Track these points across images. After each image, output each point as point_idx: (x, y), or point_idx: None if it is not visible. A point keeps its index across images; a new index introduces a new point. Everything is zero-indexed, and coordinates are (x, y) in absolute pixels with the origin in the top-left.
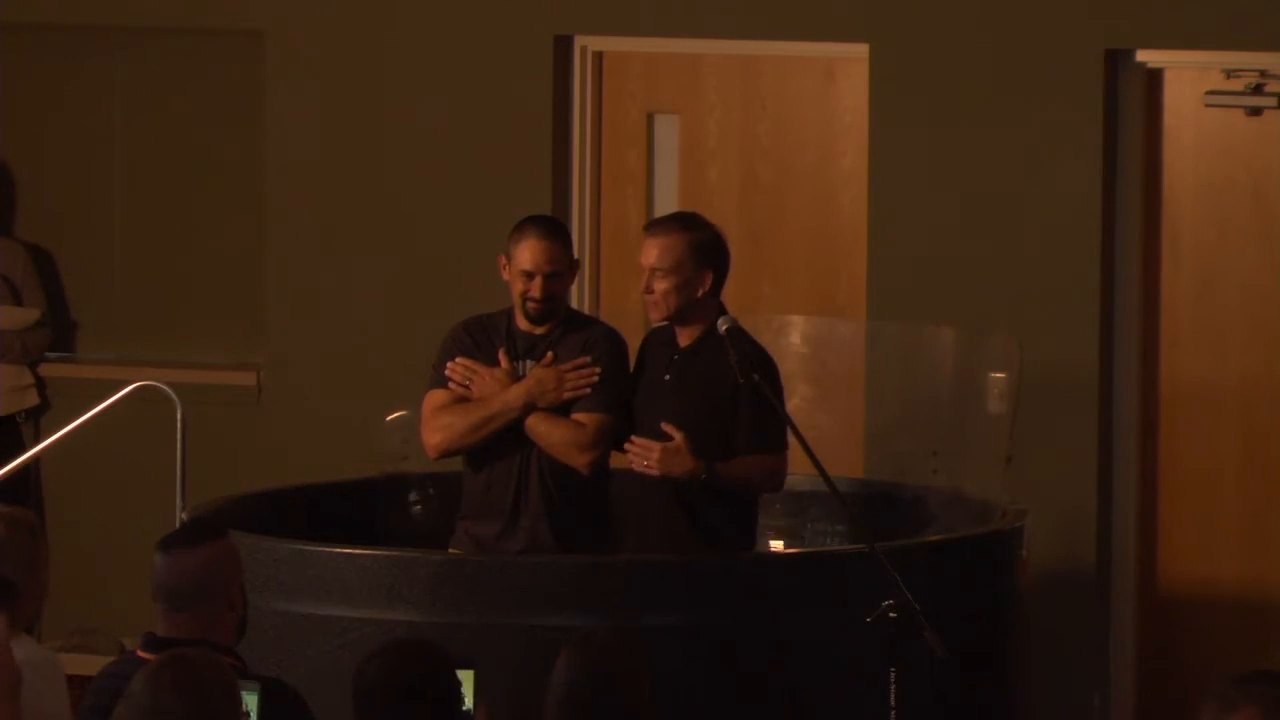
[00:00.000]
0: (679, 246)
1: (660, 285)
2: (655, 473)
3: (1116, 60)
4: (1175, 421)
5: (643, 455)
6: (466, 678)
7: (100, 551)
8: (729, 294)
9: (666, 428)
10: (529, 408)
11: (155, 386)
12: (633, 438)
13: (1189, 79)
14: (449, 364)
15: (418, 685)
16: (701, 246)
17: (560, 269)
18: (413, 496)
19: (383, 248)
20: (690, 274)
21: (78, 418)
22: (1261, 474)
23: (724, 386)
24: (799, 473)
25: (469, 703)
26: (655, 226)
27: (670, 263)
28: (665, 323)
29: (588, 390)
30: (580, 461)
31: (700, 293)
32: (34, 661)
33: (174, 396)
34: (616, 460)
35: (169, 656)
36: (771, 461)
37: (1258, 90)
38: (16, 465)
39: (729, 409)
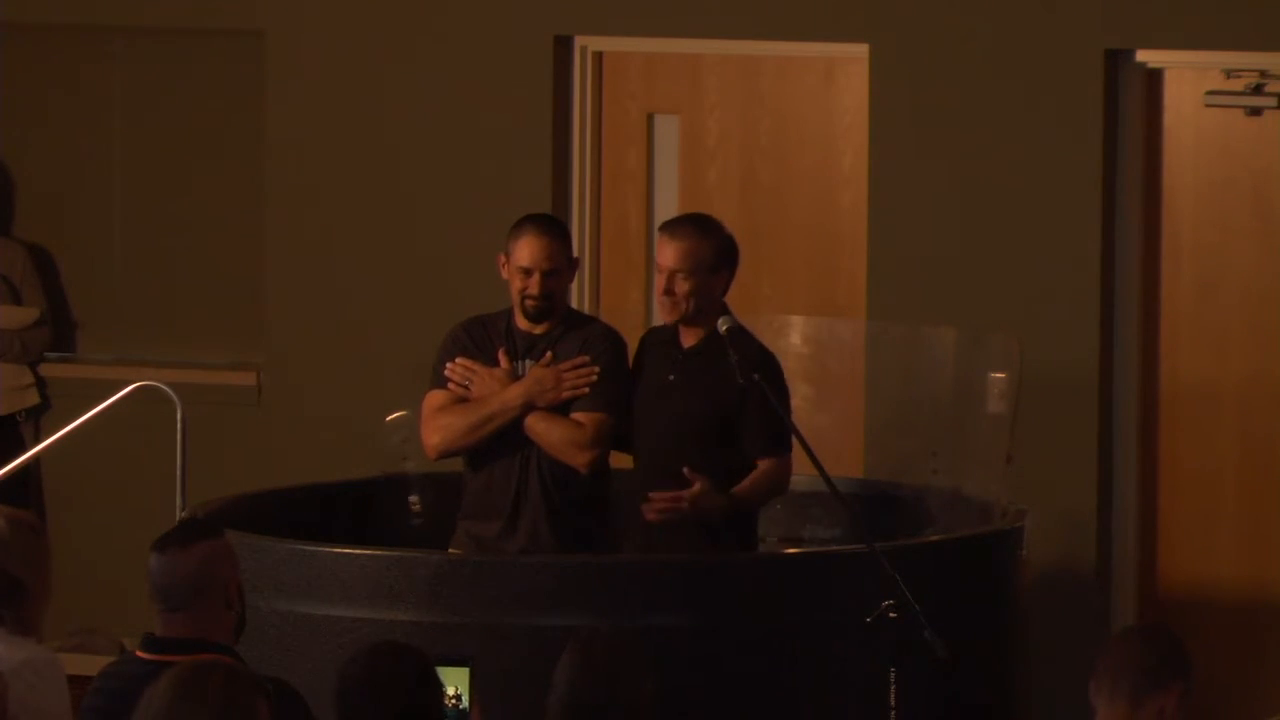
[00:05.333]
0: (702, 249)
1: (683, 287)
2: (691, 516)
3: (1116, 60)
4: (1175, 421)
5: (672, 505)
6: (462, 675)
7: (100, 551)
8: (729, 294)
9: (689, 474)
10: (528, 407)
11: (155, 386)
12: (652, 495)
13: (1189, 79)
14: (448, 364)
15: (398, 688)
16: (723, 248)
17: (558, 266)
18: (413, 500)
19: (383, 248)
20: (711, 276)
21: (78, 418)
22: (1261, 474)
23: (731, 387)
24: (799, 473)
25: (464, 701)
26: (675, 229)
27: (693, 265)
28: (674, 324)
29: (586, 390)
30: (579, 461)
31: (718, 293)
32: (34, 662)
33: (174, 396)
34: (616, 459)
35: (198, 662)
36: (779, 466)
37: (1258, 90)
38: (16, 465)
39: (735, 410)
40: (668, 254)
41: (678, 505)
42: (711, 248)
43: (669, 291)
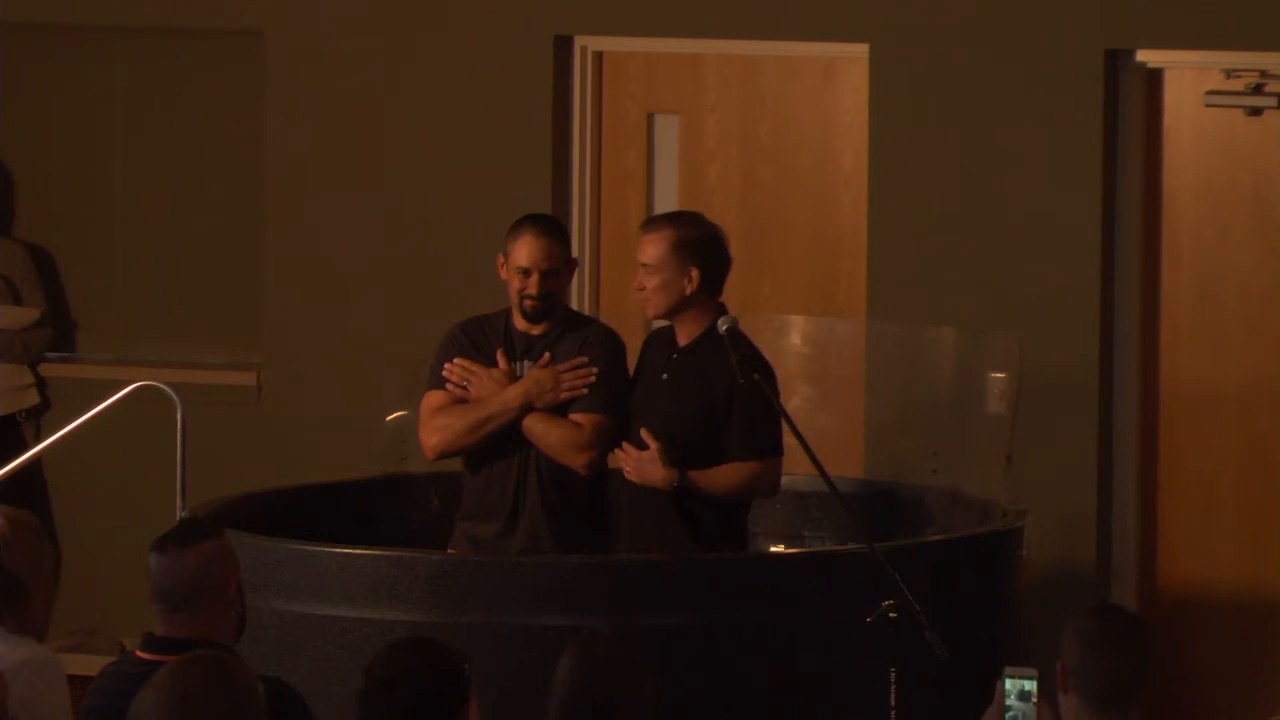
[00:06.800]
0: (662, 243)
1: (648, 282)
2: (635, 479)
3: (1116, 60)
4: (1175, 421)
5: (625, 462)
6: None
7: (100, 551)
8: (729, 294)
9: (644, 435)
10: (526, 408)
11: (155, 386)
12: (624, 444)
13: (1189, 79)
14: (447, 365)
15: (426, 683)
16: (687, 243)
17: (557, 266)
18: (414, 498)
19: (382, 248)
20: (673, 271)
21: (78, 418)
22: (1261, 474)
23: (720, 387)
24: (799, 473)
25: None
26: (647, 224)
27: (653, 259)
28: (660, 320)
29: (585, 390)
30: (578, 462)
31: (688, 289)
32: (34, 661)
33: (174, 396)
34: (615, 460)
35: (196, 655)
36: (758, 468)
37: (1258, 90)
38: (15, 465)
39: (724, 410)
40: (639, 249)
41: (623, 463)
42: (674, 241)
43: (640, 287)
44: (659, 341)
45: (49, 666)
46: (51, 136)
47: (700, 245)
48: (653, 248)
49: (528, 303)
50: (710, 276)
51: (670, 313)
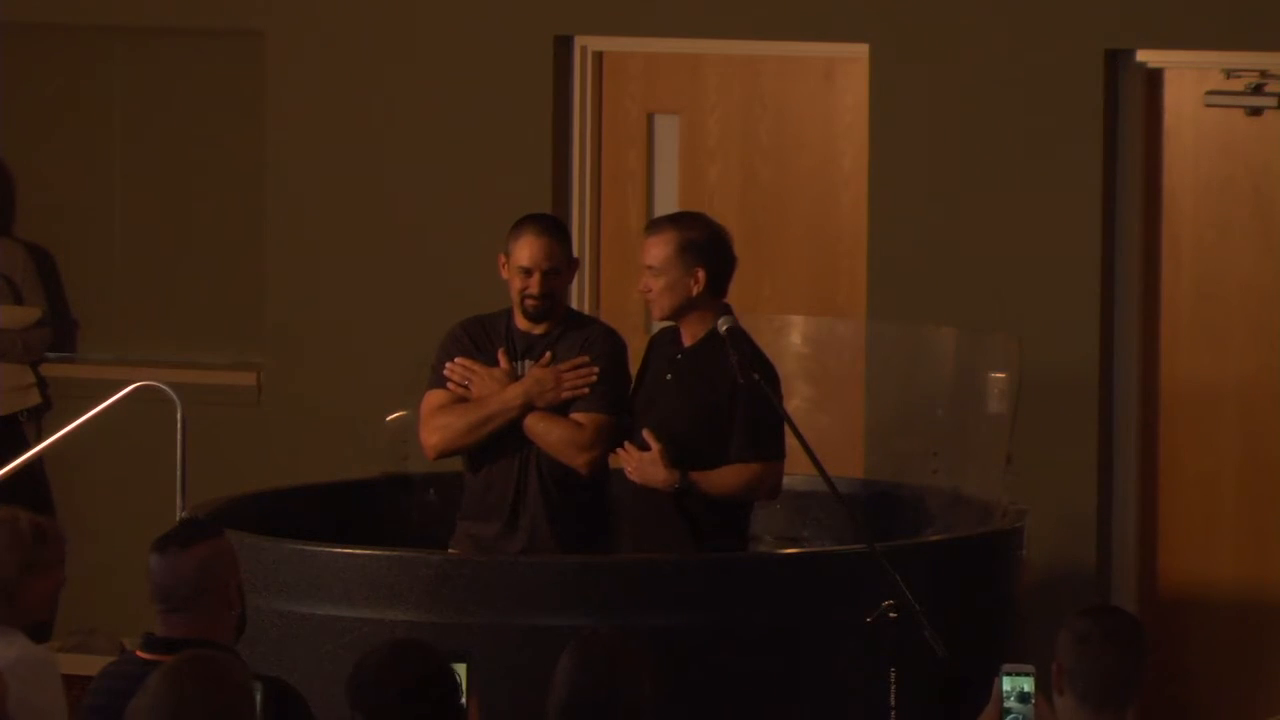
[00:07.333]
0: (667, 245)
1: (653, 284)
2: (636, 480)
3: (1116, 60)
4: (1175, 421)
5: (627, 462)
6: (459, 671)
7: (100, 551)
8: (729, 294)
9: (646, 436)
10: (527, 407)
11: (155, 386)
12: (626, 444)
13: (1189, 79)
14: (447, 364)
15: (415, 685)
16: (691, 245)
17: (558, 266)
18: (413, 498)
19: (383, 248)
20: (679, 273)
21: (78, 417)
22: (1261, 474)
23: (724, 387)
24: (799, 473)
25: (463, 697)
26: (651, 226)
27: (658, 261)
28: (667, 322)
29: (586, 390)
30: (579, 461)
31: (695, 291)
32: (28, 660)
33: (174, 396)
34: (616, 460)
35: (189, 656)
36: (759, 471)
37: (1258, 90)
38: (15, 465)
39: (727, 411)
40: (644, 251)
41: (625, 463)
42: (679, 243)
43: (646, 289)
44: (663, 341)
45: (43, 665)
46: (51, 136)
47: (705, 246)
48: (658, 249)
49: (529, 302)
50: (716, 277)
51: (676, 314)
